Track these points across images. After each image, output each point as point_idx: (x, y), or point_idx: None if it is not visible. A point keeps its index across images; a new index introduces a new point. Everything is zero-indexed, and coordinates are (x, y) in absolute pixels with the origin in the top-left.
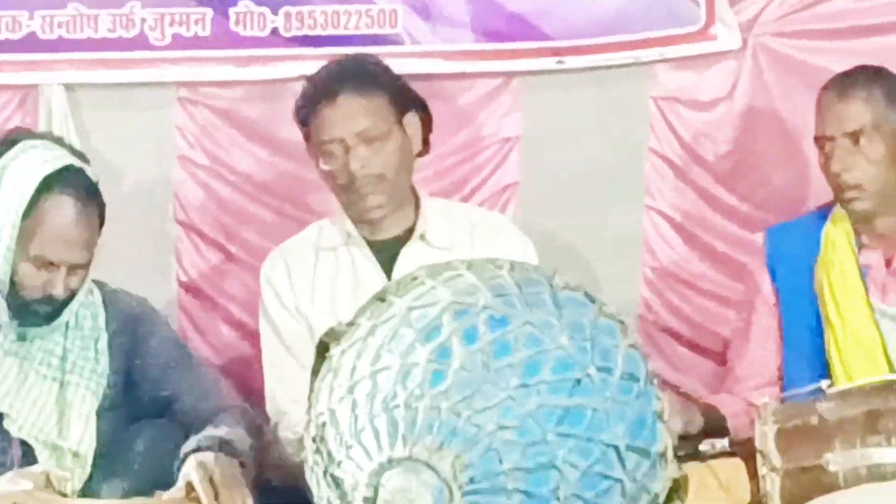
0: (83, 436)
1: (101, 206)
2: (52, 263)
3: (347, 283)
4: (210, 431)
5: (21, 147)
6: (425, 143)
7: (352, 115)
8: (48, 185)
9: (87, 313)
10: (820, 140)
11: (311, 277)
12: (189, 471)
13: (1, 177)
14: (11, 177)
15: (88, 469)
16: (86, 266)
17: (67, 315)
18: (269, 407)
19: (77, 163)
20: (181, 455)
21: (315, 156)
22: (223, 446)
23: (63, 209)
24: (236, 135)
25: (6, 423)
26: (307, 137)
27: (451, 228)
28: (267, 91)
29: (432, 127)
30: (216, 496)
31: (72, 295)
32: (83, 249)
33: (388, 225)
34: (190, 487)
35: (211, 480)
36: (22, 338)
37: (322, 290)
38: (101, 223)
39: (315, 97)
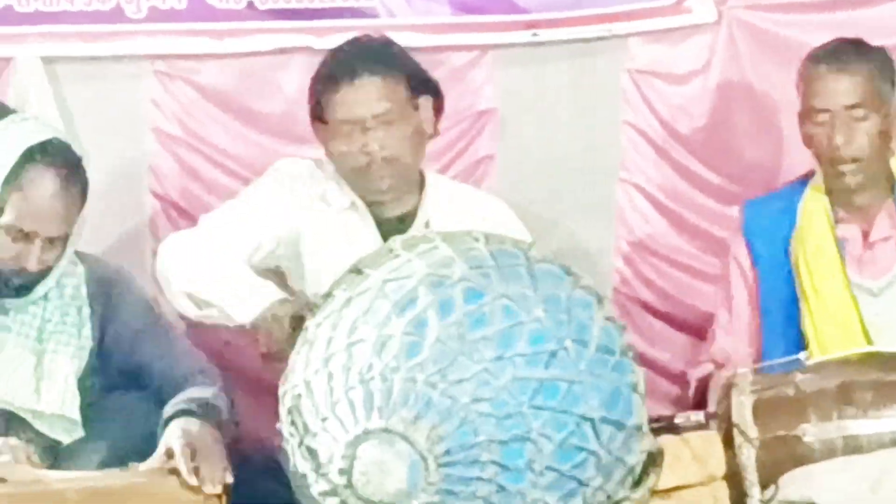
0: (64, 398)
1: (85, 183)
2: (27, 235)
3: (344, 247)
4: (191, 393)
5: (10, 119)
6: (435, 126)
7: (371, 97)
8: (31, 156)
9: (68, 283)
10: (810, 113)
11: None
12: (171, 438)
13: None
14: None
15: (80, 429)
16: (63, 240)
17: (41, 290)
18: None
19: (63, 137)
20: (162, 420)
21: (324, 135)
22: (204, 408)
23: (44, 181)
24: (211, 108)
25: None
26: (317, 116)
27: (455, 220)
28: (242, 64)
29: (443, 110)
30: (196, 469)
31: (46, 270)
32: (61, 223)
33: (392, 205)
34: (169, 454)
35: (192, 452)
36: (3, 310)
37: (325, 247)
38: (84, 200)
39: (333, 77)
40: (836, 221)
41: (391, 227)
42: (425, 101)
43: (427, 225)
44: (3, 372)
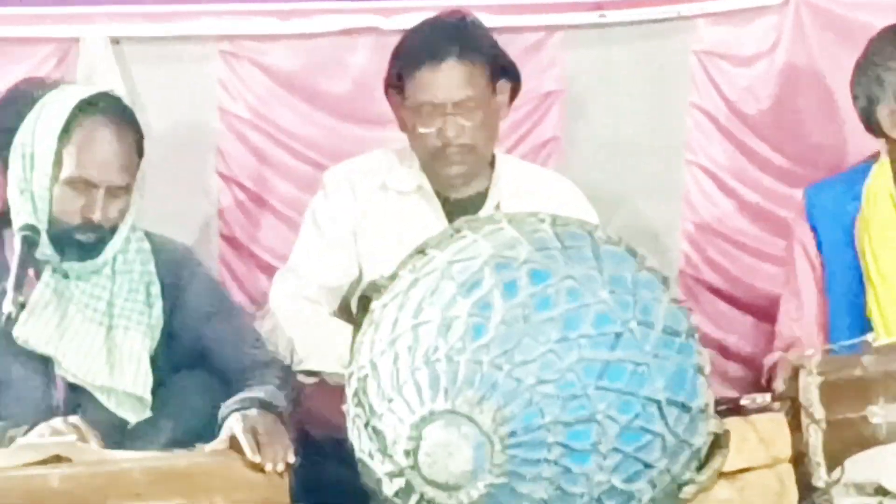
0: (136, 377)
1: (140, 135)
2: (88, 184)
3: (412, 233)
4: (247, 394)
5: (61, 87)
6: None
7: (454, 82)
8: (83, 108)
9: (136, 258)
10: None
11: (376, 219)
12: (232, 423)
13: (40, 110)
14: (49, 106)
15: (147, 410)
16: (125, 192)
17: (110, 251)
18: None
19: (113, 92)
20: (219, 418)
21: (402, 109)
22: (262, 405)
23: (97, 129)
24: (277, 89)
25: (56, 369)
26: (392, 86)
27: (526, 202)
28: (308, 45)
29: (518, 93)
30: (259, 448)
31: (112, 230)
32: (120, 171)
33: (463, 188)
34: (233, 440)
35: (254, 433)
36: (66, 276)
37: (385, 231)
38: (140, 154)
39: (419, 55)
40: None
41: (461, 208)
42: (503, 86)
43: (498, 207)
44: (74, 346)
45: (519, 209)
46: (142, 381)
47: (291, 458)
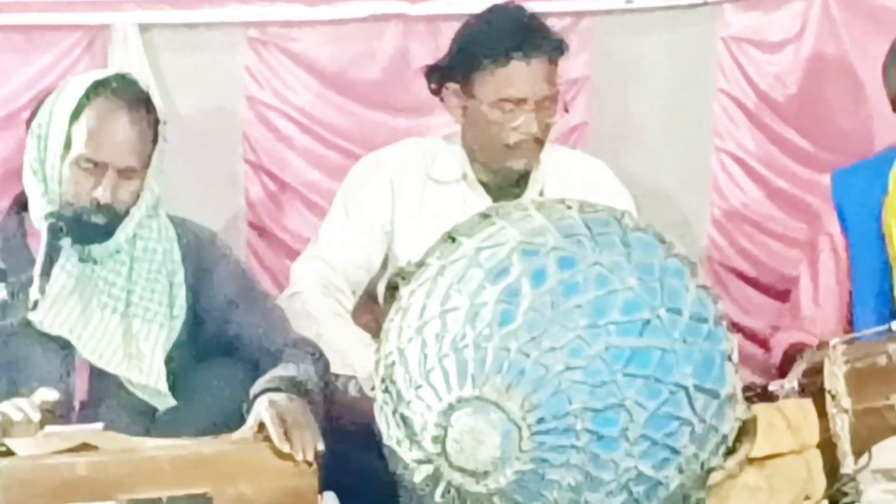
0: (151, 369)
1: (155, 119)
2: (97, 164)
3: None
4: (279, 371)
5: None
6: None
7: (543, 78)
8: (96, 89)
9: (157, 248)
10: None
11: (417, 210)
12: (260, 410)
13: (59, 92)
14: (66, 88)
15: (170, 399)
16: (136, 174)
17: (122, 234)
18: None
19: (130, 74)
20: (251, 396)
21: (468, 103)
22: (293, 386)
23: (107, 109)
24: (305, 76)
25: (77, 354)
26: (459, 82)
27: (568, 188)
28: (336, 32)
29: None
30: (287, 435)
31: (125, 213)
32: (129, 153)
33: (511, 176)
34: (261, 426)
35: (282, 420)
36: (82, 259)
37: (425, 224)
38: (156, 137)
39: (505, 52)
40: None
41: (504, 196)
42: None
43: (541, 193)
44: (90, 331)
45: (561, 195)
46: (156, 374)
47: (321, 446)
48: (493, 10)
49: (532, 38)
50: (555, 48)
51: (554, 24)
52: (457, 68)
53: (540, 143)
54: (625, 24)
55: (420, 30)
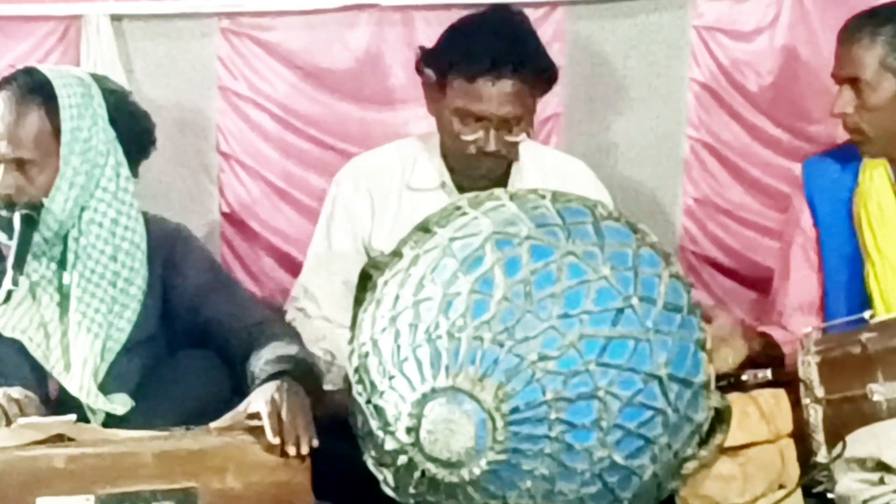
0: (82, 383)
1: (55, 109)
2: None
3: None
4: (278, 350)
5: None
6: None
7: (507, 99)
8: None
9: (104, 248)
10: None
11: (393, 220)
12: (258, 402)
13: None
14: None
15: (128, 401)
16: (36, 165)
17: (44, 227)
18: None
19: (39, 69)
20: (257, 373)
21: (440, 104)
22: (293, 363)
23: (2, 104)
24: (278, 66)
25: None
26: (437, 83)
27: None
28: (309, 22)
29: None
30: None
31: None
32: (17, 145)
33: (484, 182)
34: (256, 416)
35: (278, 413)
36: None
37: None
38: (58, 128)
39: (475, 68)
40: None
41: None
42: (539, 97)
43: None
44: (45, 340)
45: None
46: (86, 387)
47: (315, 443)
48: (486, 16)
49: (506, 59)
50: (536, 71)
51: (530, 13)
52: (439, 60)
53: (504, 157)
54: (599, 12)
55: (394, 20)
